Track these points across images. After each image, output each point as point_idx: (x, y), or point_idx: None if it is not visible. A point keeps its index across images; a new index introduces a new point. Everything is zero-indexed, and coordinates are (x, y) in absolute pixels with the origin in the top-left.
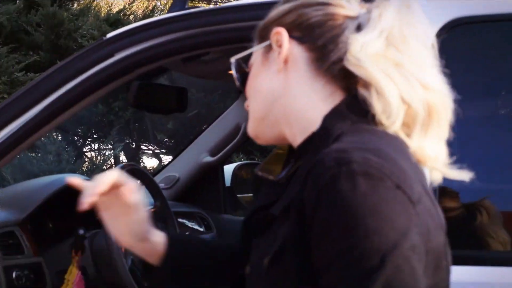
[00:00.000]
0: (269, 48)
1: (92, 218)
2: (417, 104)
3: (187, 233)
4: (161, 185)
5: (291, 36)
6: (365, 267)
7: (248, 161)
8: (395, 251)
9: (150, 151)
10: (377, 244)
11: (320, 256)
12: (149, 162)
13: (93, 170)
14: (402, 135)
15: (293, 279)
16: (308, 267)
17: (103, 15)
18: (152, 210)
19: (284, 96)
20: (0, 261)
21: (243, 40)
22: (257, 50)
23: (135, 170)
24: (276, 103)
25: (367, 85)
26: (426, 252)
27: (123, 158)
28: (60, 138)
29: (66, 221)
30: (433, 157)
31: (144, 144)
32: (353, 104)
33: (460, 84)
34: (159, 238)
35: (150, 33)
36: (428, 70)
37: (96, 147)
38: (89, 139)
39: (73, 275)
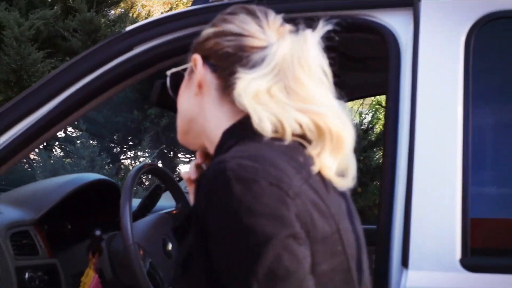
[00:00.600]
0: (192, 71)
1: (110, 219)
2: (294, 125)
3: None
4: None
5: (206, 62)
6: (247, 262)
7: None
8: (273, 241)
9: (187, 159)
10: (254, 239)
11: (214, 259)
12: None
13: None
14: (307, 146)
15: (202, 282)
16: (212, 270)
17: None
18: (174, 212)
19: (200, 116)
20: (12, 261)
21: None
22: (177, 70)
23: (155, 170)
24: (194, 122)
25: None
26: (315, 239)
27: (159, 165)
28: (94, 143)
29: (83, 222)
30: (328, 166)
31: (182, 152)
32: (249, 122)
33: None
34: None
35: (170, 27)
36: (317, 98)
37: (131, 154)
38: (124, 146)
39: (89, 278)
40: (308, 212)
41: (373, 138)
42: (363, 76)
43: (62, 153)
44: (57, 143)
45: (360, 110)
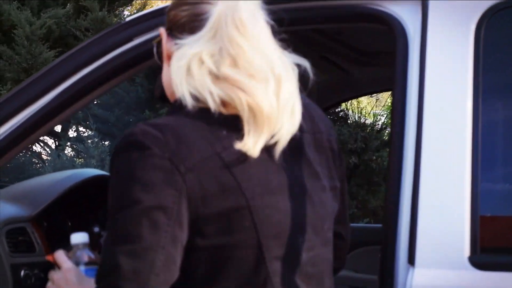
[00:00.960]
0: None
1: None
2: (215, 99)
3: None
4: None
5: (170, 34)
6: (112, 222)
7: None
8: (135, 206)
9: None
10: (122, 201)
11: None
12: None
13: None
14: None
15: None
16: None
17: None
18: None
19: (170, 84)
20: (7, 259)
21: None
22: (156, 41)
23: None
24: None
25: None
26: (206, 215)
27: None
28: (106, 144)
29: (83, 218)
30: (249, 146)
31: None
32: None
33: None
34: None
35: None
36: (255, 63)
37: None
38: None
39: None
40: (200, 187)
41: (386, 138)
42: (373, 71)
43: (73, 153)
44: (68, 143)
45: (374, 111)
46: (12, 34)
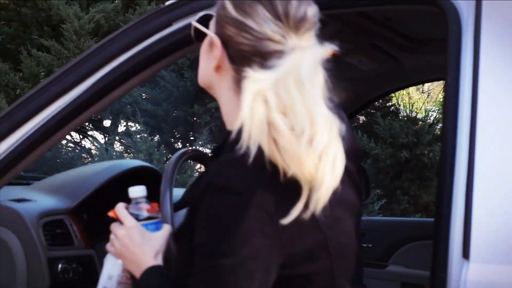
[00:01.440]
0: (212, 44)
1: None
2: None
3: None
4: None
5: (225, 48)
6: (203, 256)
7: None
8: (232, 257)
9: None
10: (216, 245)
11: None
12: None
13: (186, 171)
14: None
15: (186, 252)
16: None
17: None
18: None
19: (218, 90)
20: (44, 252)
21: None
22: (200, 28)
23: (199, 156)
24: (213, 88)
25: None
26: (294, 254)
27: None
28: (155, 138)
29: None
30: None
31: None
32: None
33: None
34: None
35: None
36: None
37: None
38: (183, 140)
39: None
40: (289, 232)
41: (438, 132)
42: (424, 59)
43: (121, 148)
44: (117, 137)
45: (425, 107)
46: (61, 29)
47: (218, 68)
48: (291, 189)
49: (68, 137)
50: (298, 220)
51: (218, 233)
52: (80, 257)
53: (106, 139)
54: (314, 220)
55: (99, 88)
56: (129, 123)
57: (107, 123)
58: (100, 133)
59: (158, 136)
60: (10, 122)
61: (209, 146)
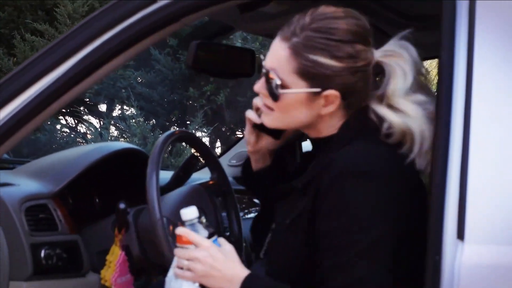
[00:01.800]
0: (315, 93)
1: (137, 192)
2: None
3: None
4: (233, 161)
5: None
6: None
7: None
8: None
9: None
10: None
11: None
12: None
13: (181, 154)
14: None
15: (301, 238)
16: (312, 231)
17: None
18: (210, 183)
19: (312, 122)
20: (26, 238)
21: None
22: (303, 91)
23: (187, 138)
24: (302, 126)
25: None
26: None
27: (218, 144)
28: (149, 122)
29: (112, 195)
30: None
31: (239, 129)
32: (360, 120)
33: None
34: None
35: None
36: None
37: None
38: (178, 123)
39: (115, 256)
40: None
41: None
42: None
43: (117, 132)
44: (112, 121)
45: None
46: (54, 13)
47: (329, 113)
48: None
49: (63, 121)
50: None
51: (359, 214)
52: (65, 242)
53: (101, 123)
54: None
55: (81, 68)
56: (124, 107)
57: (102, 107)
58: (95, 118)
59: (153, 120)
60: None
61: (204, 130)
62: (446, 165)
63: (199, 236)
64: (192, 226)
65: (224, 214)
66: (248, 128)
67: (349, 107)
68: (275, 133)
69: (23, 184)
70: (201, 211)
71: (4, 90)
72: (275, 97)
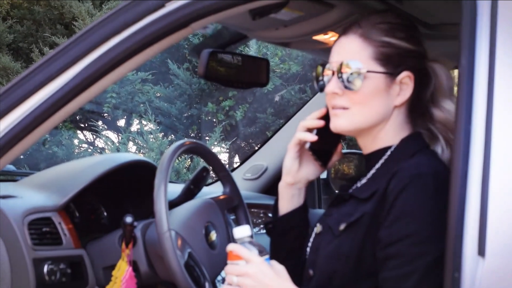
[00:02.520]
0: (391, 78)
1: (145, 206)
2: None
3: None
4: (248, 175)
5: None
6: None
7: (347, 150)
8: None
9: None
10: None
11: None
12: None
13: (195, 166)
14: None
15: (358, 244)
16: (372, 238)
17: None
18: (221, 197)
19: (384, 120)
20: (29, 252)
21: None
22: (376, 72)
23: (197, 149)
24: (378, 124)
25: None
26: None
27: (237, 159)
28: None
29: (117, 208)
30: None
31: (256, 143)
32: (418, 136)
33: None
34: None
35: None
36: None
37: None
38: (197, 138)
39: (122, 272)
40: None
41: None
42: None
43: (134, 146)
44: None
45: None
46: (73, 26)
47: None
48: None
49: (81, 136)
50: None
51: (429, 222)
52: (69, 257)
53: (119, 138)
54: None
55: (87, 75)
56: (143, 122)
57: (120, 122)
58: (113, 132)
59: (171, 135)
60: None
61: (223, 145)
62: (466, 179)
63: (251, 253)
64: (244, 244)
65: None
66: (292, 154)
67: (413, 111)
68: (324, 157)
69: (27, 196)
70: (212, 226)
71: (8, 97)
72: (355, 86)
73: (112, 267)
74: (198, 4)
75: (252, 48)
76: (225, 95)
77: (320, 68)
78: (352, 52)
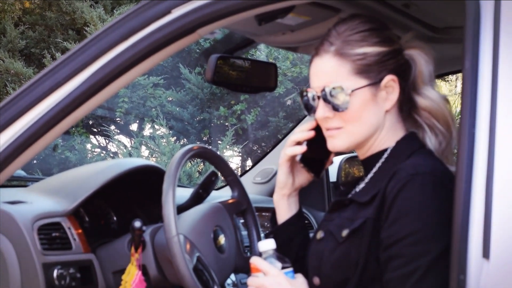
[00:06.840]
0: (376, 86)
1: (154, 211)
2: None
3: None
4: (258, 179)
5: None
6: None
7: (354, 154)
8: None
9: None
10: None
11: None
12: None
13: (206, 171)
14: None
15: (365, 250)
16: (376, 243)
17: None
18: (229, 201)
19: (379, 128)
20: (38, 257)
21: None
22: (361, 87)
23: (205, 154)
24: (374, 133)
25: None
26: None
27: (248, 162)
28: (179, 141)
29: (127, 213)
30: None
31: (268, 147)
32: (413, 136)
33: None
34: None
35: None
36: None
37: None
38: (208, 142)
39: (131, 276)
40: None
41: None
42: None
43: (147, 151)
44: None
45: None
46: (85, 32)
47: (392, 105)
48: None
49: (93, 141)
50: None
51: (430, 219)
52: (79, 262)
53: (132, 142)
54: None
55: (95, 81)
56: (155, 126)
57: (132, 126)
58: (126, 137)
59: (183, 139)
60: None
61: (235, 149)
62: (470, 181)
63: (270, 265)
64: (268, 257)
65: (245, 232)
66: (284, 169)
67: (402, 109)
68: (317, 167)
69: (36, 201)
70: (221, 230)
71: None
72: (344, 106)
73: (122, 271)
74: (204, 10)
75: (263, 51)
76: (237, 99)
77: (304, 94)
78: (331, 74)
